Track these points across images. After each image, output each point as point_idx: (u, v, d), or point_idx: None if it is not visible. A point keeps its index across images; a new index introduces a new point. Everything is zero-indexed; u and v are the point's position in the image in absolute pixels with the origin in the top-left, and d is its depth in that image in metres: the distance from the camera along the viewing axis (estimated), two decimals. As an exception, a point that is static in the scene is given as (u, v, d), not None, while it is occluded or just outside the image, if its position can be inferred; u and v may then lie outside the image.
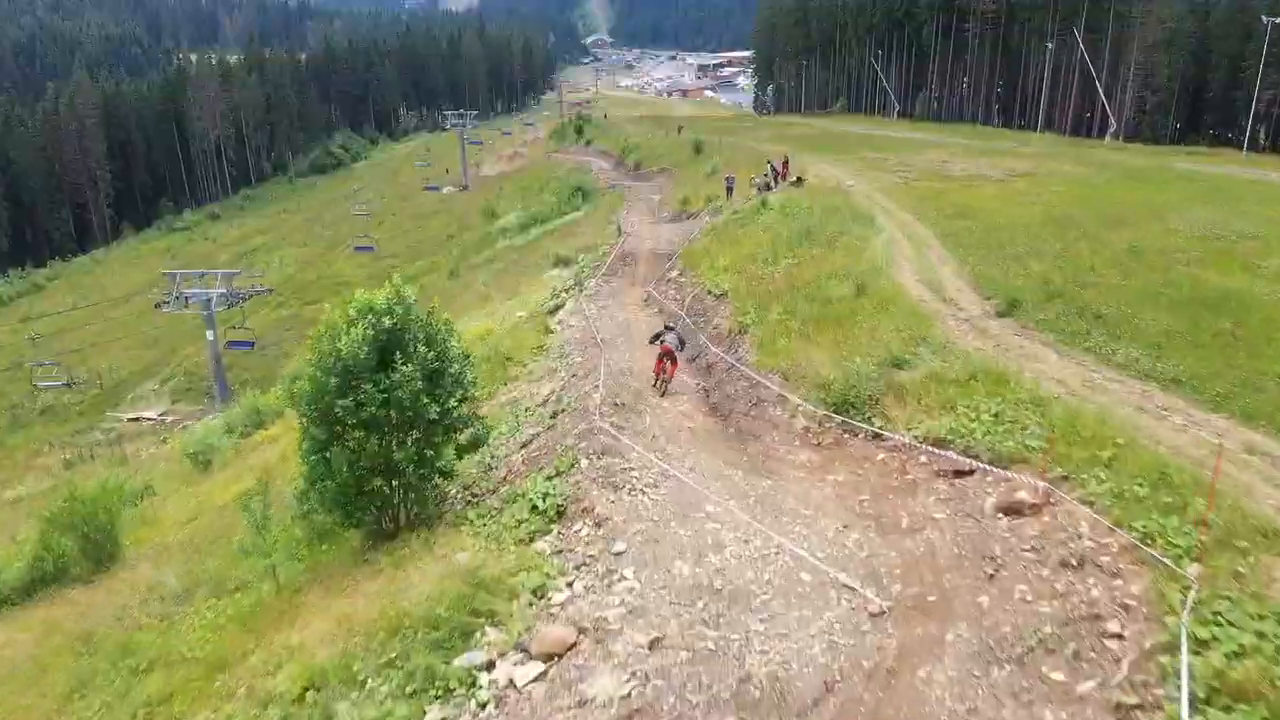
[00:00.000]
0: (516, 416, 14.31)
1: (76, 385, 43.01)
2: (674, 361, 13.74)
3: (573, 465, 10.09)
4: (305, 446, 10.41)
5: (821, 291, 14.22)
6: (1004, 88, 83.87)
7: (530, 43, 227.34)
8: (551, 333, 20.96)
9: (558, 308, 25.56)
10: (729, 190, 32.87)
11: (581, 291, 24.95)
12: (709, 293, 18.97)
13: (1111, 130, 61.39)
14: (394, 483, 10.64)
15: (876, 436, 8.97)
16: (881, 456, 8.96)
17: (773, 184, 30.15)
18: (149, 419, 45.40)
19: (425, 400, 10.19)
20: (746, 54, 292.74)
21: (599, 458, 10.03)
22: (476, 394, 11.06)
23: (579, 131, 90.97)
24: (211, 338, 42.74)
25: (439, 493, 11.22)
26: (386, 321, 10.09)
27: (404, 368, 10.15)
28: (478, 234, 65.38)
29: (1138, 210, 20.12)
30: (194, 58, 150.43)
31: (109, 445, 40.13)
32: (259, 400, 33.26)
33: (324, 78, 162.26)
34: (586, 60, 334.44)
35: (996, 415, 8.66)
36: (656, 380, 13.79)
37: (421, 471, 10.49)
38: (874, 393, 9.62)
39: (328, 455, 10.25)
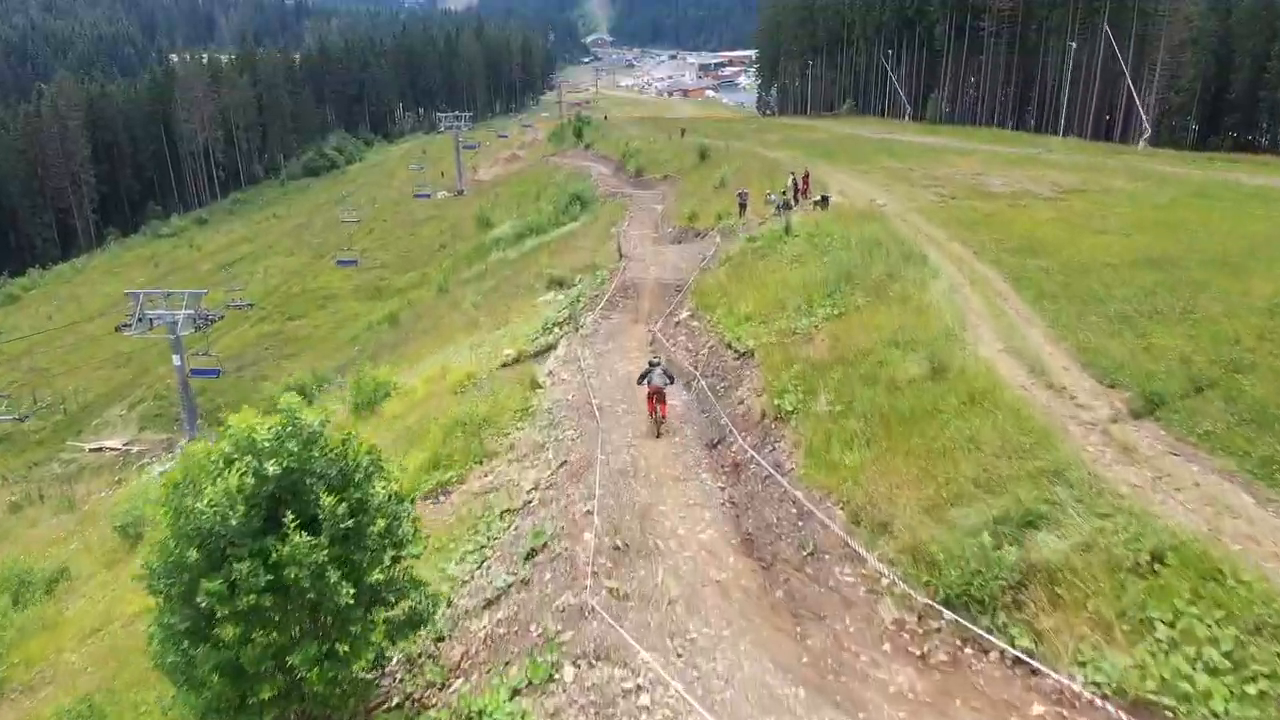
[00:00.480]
0: (487, 531, 10.97)
1: (28, 418, 39.72)
2: (663, 401, 13.39)
3: (551, 677, 6.80)
4: (156, 643, 7.03)
5: (884, 369, 10.89)
6: (1020, 89, 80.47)
7: (529, 42, 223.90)
8: (540, 387, 17.62)
9: (549, 347, 22.25)
10: (742, 207, 29.52)
11: (577, 330, 21.60)
12: (729, 347, 15.62)
13: (1145, 136, 58.01)
14: (291, 693, 7.21)
15: (1021, 662, 5.71)
16: (1040, 710, 5.58)
17: (793, 201, 26.80)
18: (112, 449, 42.08)
19: (335, 578, 6.79)
20: (748, 53, 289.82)
21: (590, 665, 6.76)
22: (416, 550, 7.66)
23: (578, 134, 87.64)
24: (178, 363, 39.45)
25: (362, 691, 7.81)
26: (272, 467, 6.68)
27: (299, 537, 6.72)
28: (471, 244, 62.06)
29: (1239, 244, 16.78)
30: (185, 57, 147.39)
31: (64, 481, 36.79)
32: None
33: (318, 78, 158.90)
34: (586, 60, 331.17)
35: (1232, 659, 5.40)
36: (652, 420, 13.44)
37: (333, 675, 7.09)
38: (1007, 579, 6.39)
39: (191, 655, 6.86)
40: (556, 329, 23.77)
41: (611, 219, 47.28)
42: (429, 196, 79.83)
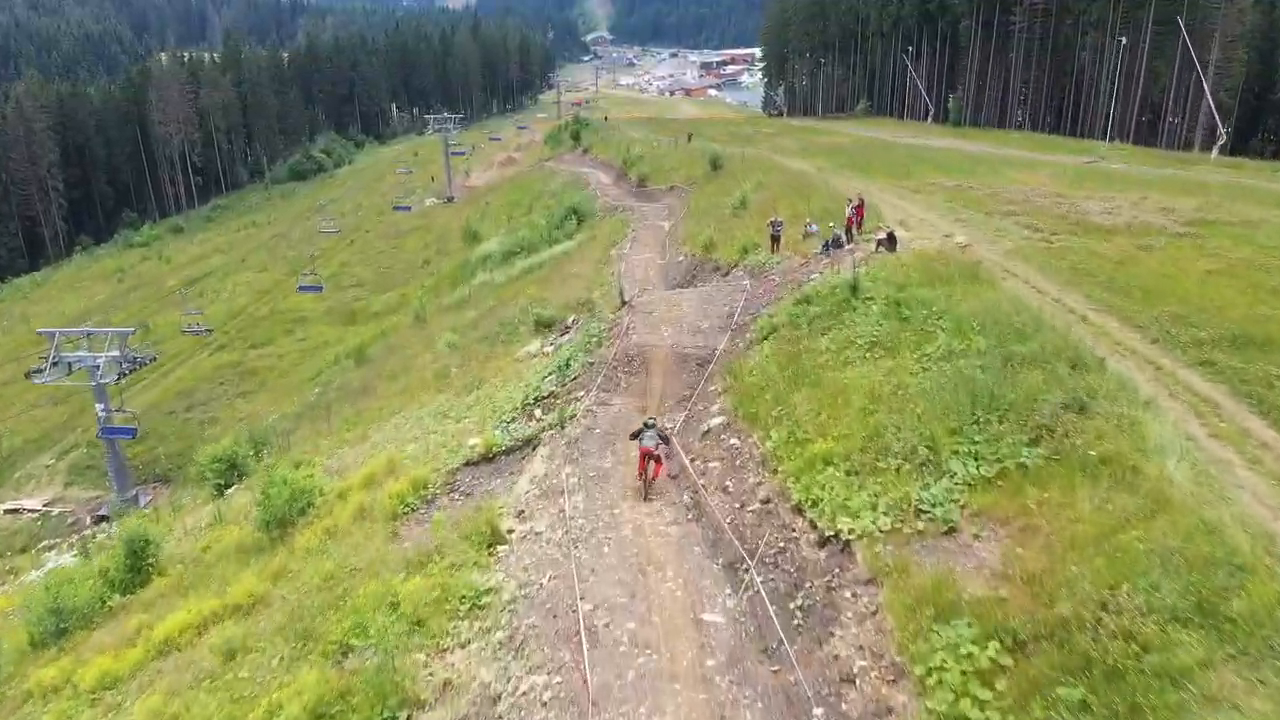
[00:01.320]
0: None
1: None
2: (658, 461, 12.58)
3: None
4: None
5: (1165, 669, 5.10)
6: (1053, 89, 74.37)
7: (527, 40, 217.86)
8: (504, 543, 11.72)
9: (527, 441, 16.34)
10: (774, 240, 23.47)
11: (563, 426, 15.67)
12: (799, 513, 9.66)
13: (1220, 143, 51.99)
14: None
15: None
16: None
17: (844, 238, 20.77)
18: (31, 511, 36.16)
19: None
20: (751, 51, 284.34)
21: None
22: None
23: (575, 137, 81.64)
24: (102, 413, 33.56)
25: None
26: None
27: None
28: (456, 260, 56.09)
29: None
30: (180, 55, 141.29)
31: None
32: (149, 527, 22.16)
33: (307, 77, 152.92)
34: (586, 58, 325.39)
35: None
36: (642, 481, 12.65)
37: None
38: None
39: None
40: (538, 413, 17.82)
41: (611, 238, 41.43)
42: (409, 210, 73.64)
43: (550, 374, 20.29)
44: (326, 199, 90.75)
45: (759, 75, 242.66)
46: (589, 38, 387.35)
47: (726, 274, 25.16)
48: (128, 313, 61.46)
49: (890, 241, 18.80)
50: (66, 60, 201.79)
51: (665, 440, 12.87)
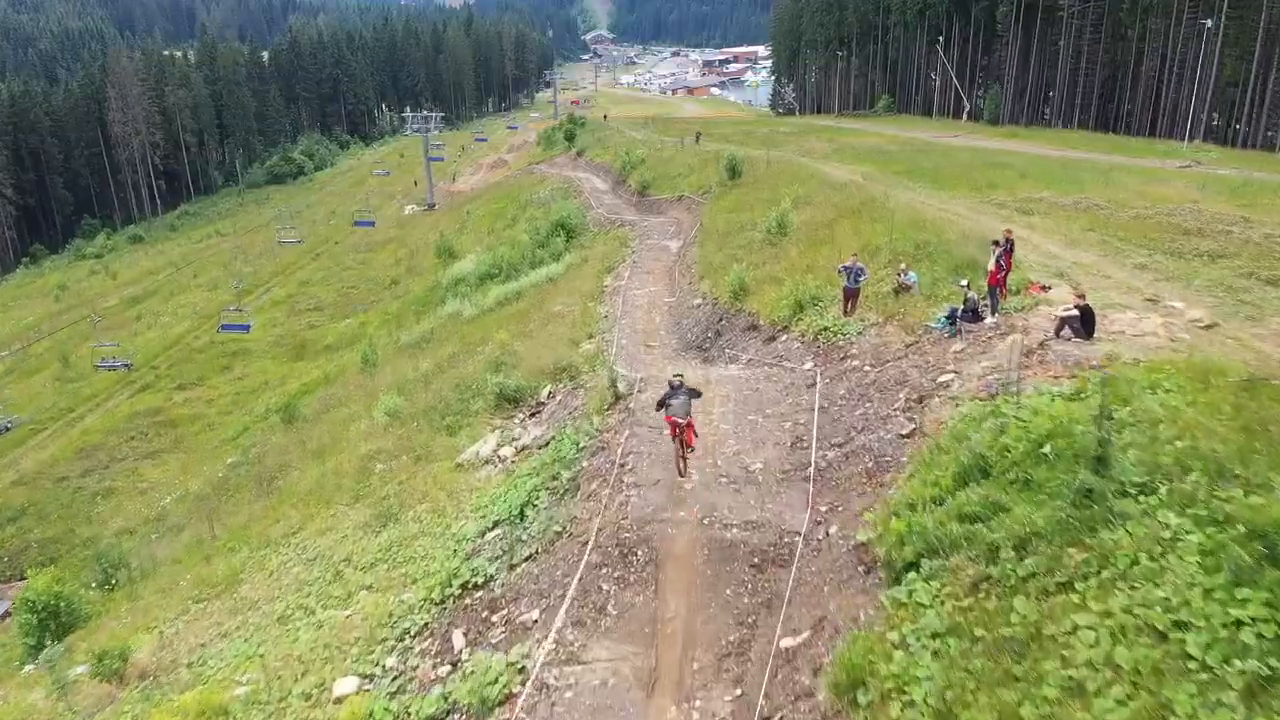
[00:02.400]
0: None
1: None
2: (690, 428, 10.85)
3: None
4: None
5: None
6: (1107, 82, 66.08)
7: (523, 37, 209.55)
8: None
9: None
10: (851, 296, 15.09)
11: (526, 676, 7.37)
12: None
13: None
14: None
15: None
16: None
17: (984, 306, 12.24)
18: None
19: None
20: (755, 49, 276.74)
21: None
22: None
23: (569, 139, 73.42)
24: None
25: None
26: None
27: None
28: (426, 282, 47.95)
29: None
30: (173, 53, 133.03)
31: None
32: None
33: (289, 75, 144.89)
34: (586, 57, 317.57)
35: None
36: (677, 453, 10.90)
37: None
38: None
39: None
40: (447, 662, 9.62)
41: (606, 261, 33.26)
42: (372, 224, 64.87)
43: (491, 535, 12.11)
44: (287, 207, 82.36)
45: (764, 73, 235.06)
46: (589, 36, 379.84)
47: (770, 340, 16.98)
48: (54, 340, 53.35)
49: (1084, 322, 10.57)
50: (44, 58, 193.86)
51: (697, 394, 11.32)
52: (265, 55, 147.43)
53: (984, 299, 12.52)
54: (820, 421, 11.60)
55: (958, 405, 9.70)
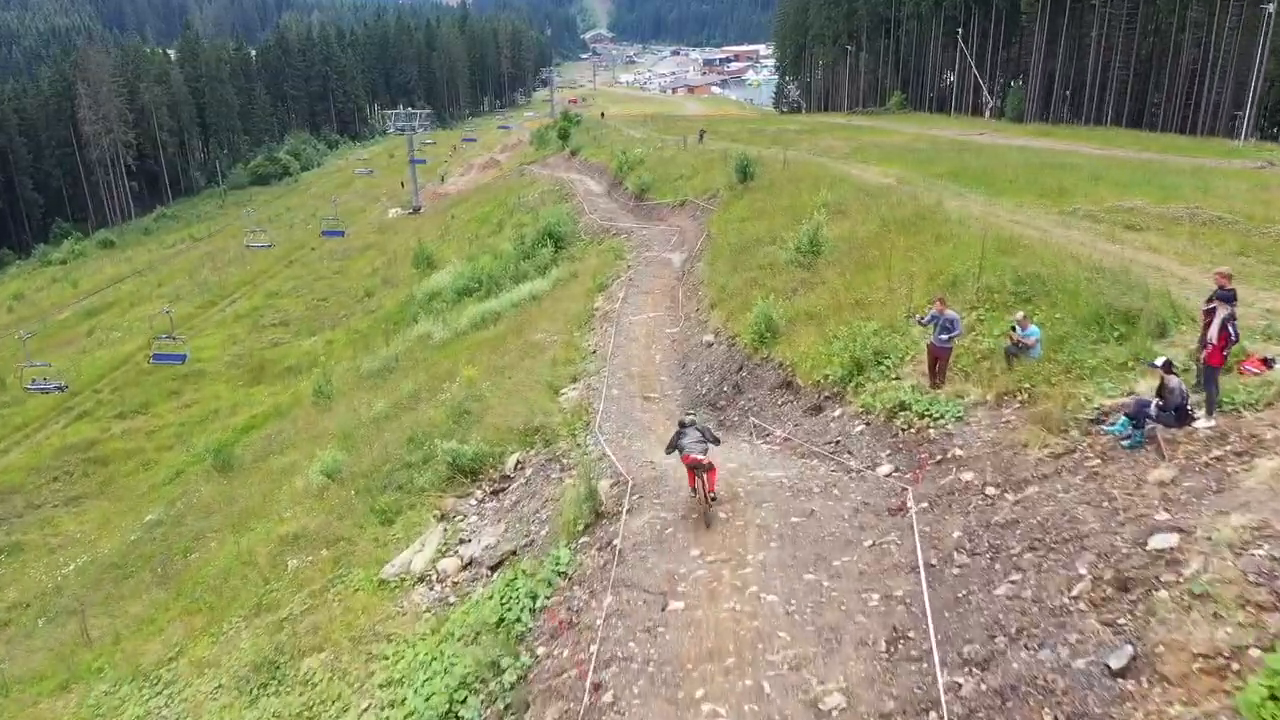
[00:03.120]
0: None
1: None
2: (711, 470, 9.28)
3: None
4: None
5: None
6: (1144, 77, 61.32)
7: (520, 34, 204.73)
8: None
9: None
10: (940, 356, 10.30)
11: None
12: None
13: None
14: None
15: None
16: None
17: (1194, 406, 7.53)
18: None
19: None
20: (756, 48, 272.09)
21: None
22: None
23: (563, 137, 68.64)
24: None
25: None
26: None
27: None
28: (400, 296, 43.23)
29: None
30: (165, 51, 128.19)
31: None
32: None
33: (276, 73, 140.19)
34: (585, 56, 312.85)
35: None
36: (699, 498, 9.30)
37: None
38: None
39: None
40: None
41: (598, 278, 28.54)
42: (342, 235, 59.43)
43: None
44: (255, 209, 77.44)
45: (766, 72, 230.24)
46: (588, 35, 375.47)
47: (815, 410, 12.26)
48: (-2, 357, 48.61)
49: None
50: (29, 56, 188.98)
51: (717, 441, 9.74)
52: (252, 53, 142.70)
53: (1194, 386, 7.79)
54: (934, 601, 6.83)
55: (1219, 618, 4.98)
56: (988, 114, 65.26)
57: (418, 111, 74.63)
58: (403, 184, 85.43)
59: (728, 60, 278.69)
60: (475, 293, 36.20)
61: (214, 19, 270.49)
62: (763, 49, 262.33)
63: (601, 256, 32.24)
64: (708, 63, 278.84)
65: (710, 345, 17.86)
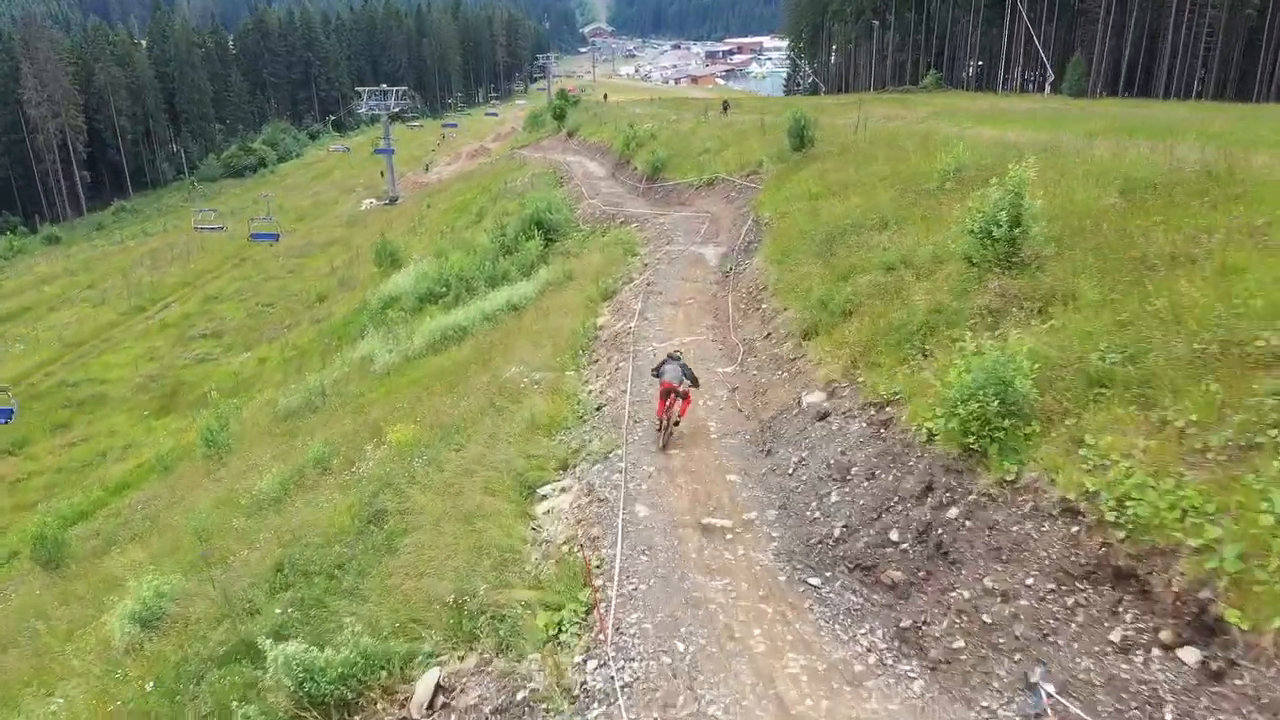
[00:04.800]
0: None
1: None
2: (685, 398, 10.43)
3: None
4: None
5: None
6: (1233, 48, 52.76)
7: (516, 23, 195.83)
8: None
9: None
10: None
11: None
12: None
13: None
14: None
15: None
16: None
17: None
18: None
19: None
20: (760, 39, 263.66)
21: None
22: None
23: (559, 117, 60.10)
24: None
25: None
26: None
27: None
28: (355, 301, 34.71)
29: None
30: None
31: None
32: None
33: (255, 58, 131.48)
34: (584, 50, 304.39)
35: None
36: (661, 426, 10.59)
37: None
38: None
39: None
40: None
41: (601, 283, 20.18)
42: (275, 238, 49.00)
43: None
44: (202, 188, 68.37)
45: (770, 64, 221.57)
46: (587, 29, 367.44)
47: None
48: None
49: None
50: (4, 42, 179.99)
51: (695, 382, 10.69)
52: (230, 37, 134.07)
53: None
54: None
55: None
56: (1047, 89, 56.90)
57: (393, 90, 65.90)
58: (382, 173, 77.08)
59: (730, 53, 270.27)
60: (442, 298, 27.79)
61: (200, 8, 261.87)
62: (766, 40, 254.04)
63: (606, 252, 23.76)
64: (709, 55, 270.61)
65: (824, 417, 9.35)
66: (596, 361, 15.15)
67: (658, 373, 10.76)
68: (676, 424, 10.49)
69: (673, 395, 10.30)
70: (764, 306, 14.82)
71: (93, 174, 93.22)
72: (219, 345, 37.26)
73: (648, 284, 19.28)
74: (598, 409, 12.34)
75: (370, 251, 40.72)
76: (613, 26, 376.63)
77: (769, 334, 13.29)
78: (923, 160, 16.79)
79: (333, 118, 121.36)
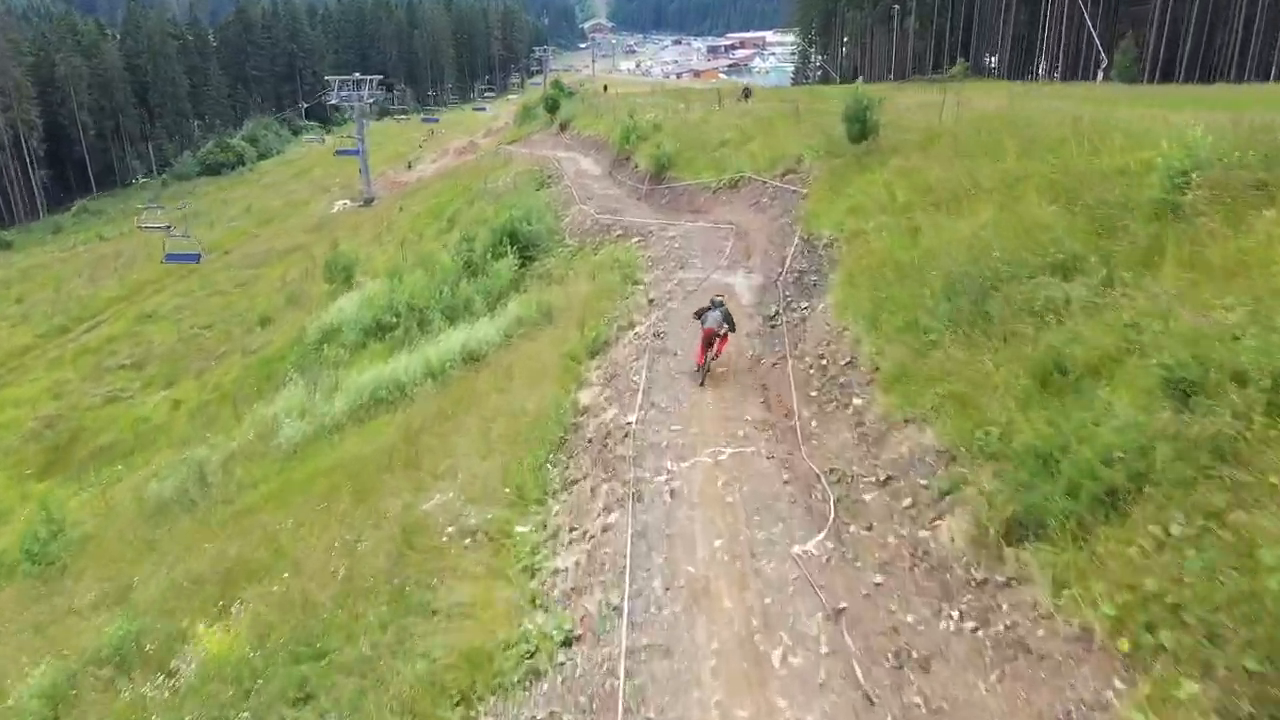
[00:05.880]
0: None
1: None
2: (723, 339, 11.07)
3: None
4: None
5: None
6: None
7: (512, 16, 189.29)
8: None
9: None
10: None
11: None
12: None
13: None
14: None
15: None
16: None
17: None
18: None
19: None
20: (763, 34, 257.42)
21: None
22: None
23: (552, 109, 53.92)
24: None
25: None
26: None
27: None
28: (292, 329, 28.53)
29: None
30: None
31: None
32: None
33: (237, 51, 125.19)
34: (584, 45, 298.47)
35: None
36: (700, 368, 11.09)
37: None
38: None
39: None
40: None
41: (591, 334, 13.88)
42: (197, 259, 40.25)
43: None
44: (148, 198, 61.59)
45: (774, 59, 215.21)
46: (587, 25, 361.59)
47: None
48: None
49: None
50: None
51: (732, 326, 11.33)
52: (210, 29, 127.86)
53: None
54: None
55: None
56: (1101, 76, 50.74)
57: (367, 79, 59.66)
58: (359, 171, 71.04)
59: (732, 47, 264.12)
60: (391, 331, 21.74)
61: (191, 3, 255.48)
62: (769, 35, 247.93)
63: (599, 278, 17.69)
64: (711, 51, 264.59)
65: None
66: (572, 489, 9.07)
67: (701, 318, 11.19)
68: (716, 356, 11.06)
69: (715, 339, 10.93)
70: (858, 401, 8.69)
71: (55, 173, 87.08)
72: (138, 378, 31.13)
73: (655, 334, 13.22)
74: (565, 642, 6.21)
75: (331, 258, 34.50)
76: (613, 22, 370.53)
77: (887, 475, 7.15)
78: (1088, 155, 10.61)
79: (305, 105, 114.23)
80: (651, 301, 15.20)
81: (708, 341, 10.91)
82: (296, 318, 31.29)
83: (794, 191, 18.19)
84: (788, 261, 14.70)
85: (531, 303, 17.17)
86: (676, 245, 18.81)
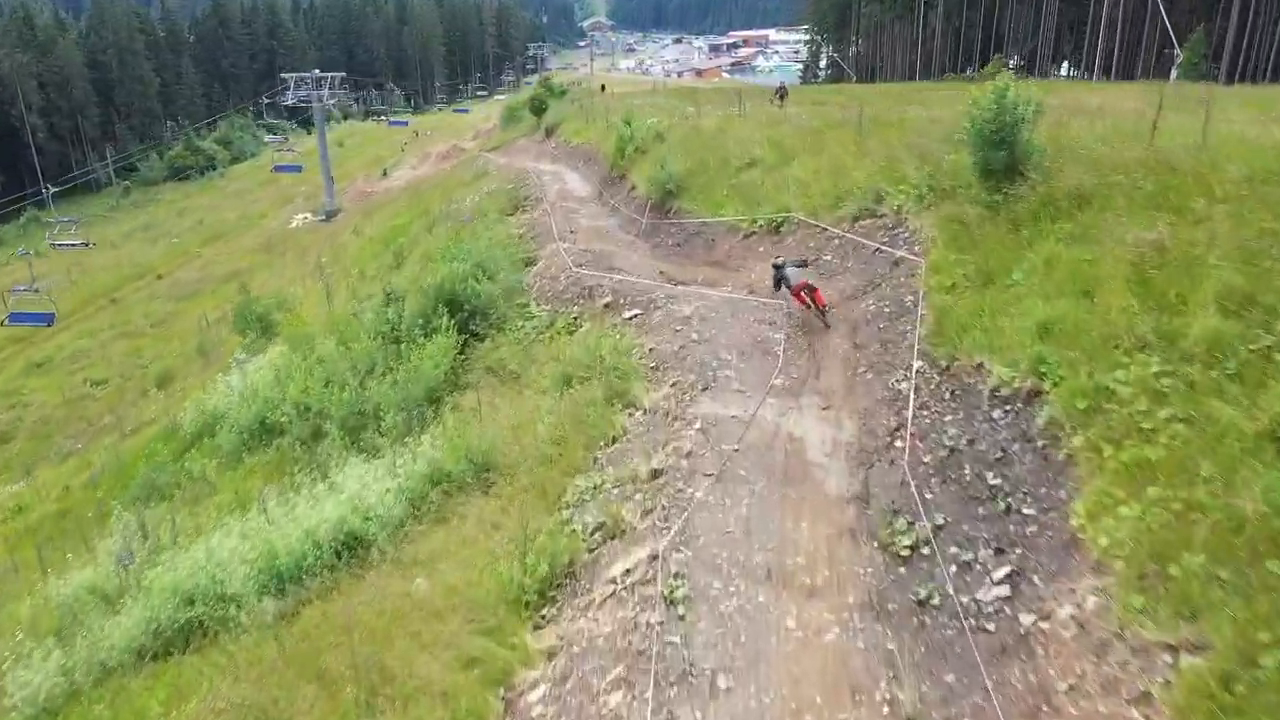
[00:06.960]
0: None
1: None
2: (815, 289, 10.96)
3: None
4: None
5: None
6: None
7: (507, 12, 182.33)
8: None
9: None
10: None
11: None
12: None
13: None
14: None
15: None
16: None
17: None
18: None
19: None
20: (766, 32, 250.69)
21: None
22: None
23: (538, 112, 47.03)
24: None
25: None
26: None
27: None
28: (178, 403, 21.63)
29: None
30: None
31: None
32: None
33: (213, 48, 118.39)
34: (583, 44, 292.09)
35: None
36: (813, 315, 11.04)
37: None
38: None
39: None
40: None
41: (550, 547, 6.74)
42: (47, 321, 29.83)
43: None
44: (60, 220, 53.73)
45: (778, 58, 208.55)
46: (586, 23, 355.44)
47: None
48: None
49: None
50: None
51: (805, 263, 11.87)
52: (185, 24, 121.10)
53: None
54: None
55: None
56: (1173, 75, 44.05)
57: (329, 75, 52.76)
58: (332, 179, 64.23)
59: (735, 45, 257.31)
60: (278, 440, 14.92)
61: (179, 1, 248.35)
62: (772, 34, 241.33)
63: (573, 393, 10.82)
64: (713, 49, 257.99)
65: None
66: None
67: (785, 281, 11.40)
68: (827, 309, 10.96)
69: (811, 290, 11.03)
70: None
71: (5, 178, 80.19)
72: (14, 441, 24.22)
73: (674, 572, 6.47)
74: None
75: (272, 296, 27.46)
76: (613, 20, 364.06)
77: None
78: None
79: (266, 103, 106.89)
80: (656, 474, 8.37)
81: (802, 292, 10.94)
82: (199, 378, 24.43)
83: (883, 253, 11.38)
84: (910, 411, 7.86)
85: (460, 446, 10.32)
86: (693, 332, 11.98)
